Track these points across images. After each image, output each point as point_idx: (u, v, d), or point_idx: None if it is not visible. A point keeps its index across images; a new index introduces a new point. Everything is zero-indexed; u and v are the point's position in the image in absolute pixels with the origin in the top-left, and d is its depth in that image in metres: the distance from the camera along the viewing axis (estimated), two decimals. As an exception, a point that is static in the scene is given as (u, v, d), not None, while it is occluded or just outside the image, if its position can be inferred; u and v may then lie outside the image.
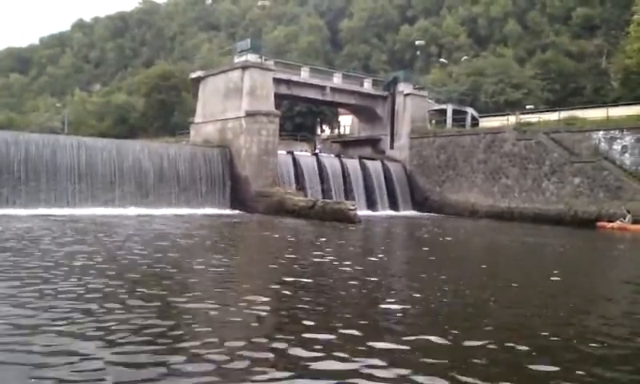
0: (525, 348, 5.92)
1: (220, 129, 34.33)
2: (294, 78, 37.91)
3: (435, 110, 45.90)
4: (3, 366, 4.82)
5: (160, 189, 29.62)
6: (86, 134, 46.79)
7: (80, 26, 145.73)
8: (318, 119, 56.45)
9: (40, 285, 8.29)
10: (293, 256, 13.72)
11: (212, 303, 7.55)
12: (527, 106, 47.47)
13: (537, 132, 33.93)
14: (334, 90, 39.72)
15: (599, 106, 38.16)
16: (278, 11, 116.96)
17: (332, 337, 6.03)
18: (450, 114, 43.66)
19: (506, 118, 39.64)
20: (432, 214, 36.96)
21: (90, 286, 8.44)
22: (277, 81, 35.16)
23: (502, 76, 55.32)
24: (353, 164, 37.40)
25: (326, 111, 54.32)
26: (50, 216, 22.52)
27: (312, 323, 6.61)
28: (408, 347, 5.81)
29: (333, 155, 38.89)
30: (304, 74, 38.89)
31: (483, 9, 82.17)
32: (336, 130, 57.09)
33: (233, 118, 33.27)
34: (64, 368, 4.78)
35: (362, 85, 42.32)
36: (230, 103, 33.52)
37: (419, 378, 4.91)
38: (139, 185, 28.94)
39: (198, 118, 37.06)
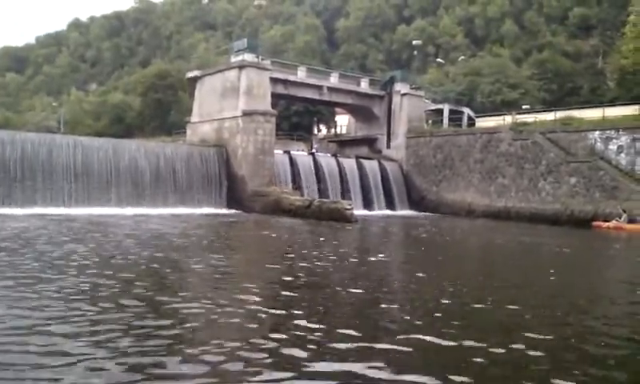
0: (523, 348, 5.91)
1: (217, 128, 34.29)
2: (291, 78, 37.89)
3: (432, 110, 45.94)
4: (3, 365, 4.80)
5: (156, 188, 29.58)
6: (83, 134, 46.68)
7: (76, 25, 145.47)
8: (315, 119, 56.42)
9: (36, 285, 8.26)
10: (289, 256, 13.71)
11: (209, 303, 7.53)
12: (524, 106, 47.54)
13: (533, 132, 34.00)
14: (330, 89, 39.74)
15: (595, 106, 38.22)
16: (274, 11, 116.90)
17: (330, 337, 6.02)
18: (446, 113, 43.69)
19: (502, 117, 39.71)
20: (428, 214, 36.98)
21: (86, 286, 8.43)
22: (273, 80, 35.15)
23: (498, 76, 55.36)
24: (349, 163, 37.40)
25: (323, 111, 54.32)
26: (46, 215, 22.46)
27: (309, 324, 6.59)
28: (406, 348, 5.79)
29: (329, 155, 38.88)
30: (301, 74, 38.87)
31: (480, 9, 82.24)
32: (333, 130, 57.07)
33: (229, 118, 33.24)
34: (60, 369, 4.76)
35: (358, 84, 42.34)
36: (227, 103, 33.49)
37: (418, 379, 4.90)
38: (135, 184, 28.90)
39: (194, 118, 37.02)
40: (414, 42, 72.07)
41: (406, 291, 9.54)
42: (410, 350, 5.75)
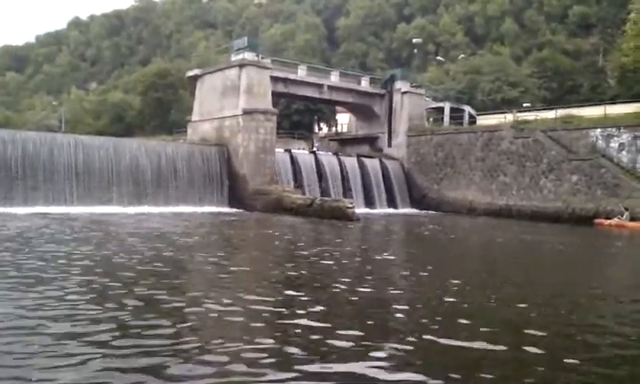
0: (526, 347, 5.88)
1: (217, 127, 34.27)
2: (291, 76, 37.87)
3: (433, 108, 45.91)
4: (1, 368, 4.78)
5: (158, 187, 29.56)
6: (83, 132, 46.75)
7: (76, 24, 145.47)
8: (316, 117, 56.42)
9: (38, 284, 8.26)
10: (292, 254, 13.71)
11: (212, 303, 7.50)
12: (524, 104, 47.47)
13: (534, 130, 33.97)
14: (331, 88, 39.73)
15: (596, 104, 38.18)
16: (274, 9, 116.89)
17: (332, 337, 5.98)
18: (447, 111, 43.64)
19: (503, 116, 39.67)
20: (430, 212, 36.96)
21: (88, 285, 8.42)
22: (274, 79, 35.13)
23: (498, 74, 55.33)
24: (351, 162, 37.38)
25: (324, 109, 54.30)
26: (47, 214, 22.44)
27: (312, 323, 6.56)
28: (410, 347, 5.78)
29: (330, 153, 38.85)
30: (301, 72, 38.85)
31: (480, 7, 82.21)
32: (333, 128, 57.07)
33: (230, 116, 33.22)
34: (62, 370, 4.74)
35: (359, 83, 42.31)
36: (227, 101, 33.46)
37: (421, 379, 4.87)
38: (137, 183, 28.88)
39: (195, 117, 37.00)
40: (414, 41, 72.08)
41: (409, 290, 9.52)
42: (414, 349, 5.74)
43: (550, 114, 38.44)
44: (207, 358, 5.17)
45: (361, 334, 6.18)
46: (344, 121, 54.18)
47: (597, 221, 28.16)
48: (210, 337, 5.93)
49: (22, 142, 25.81)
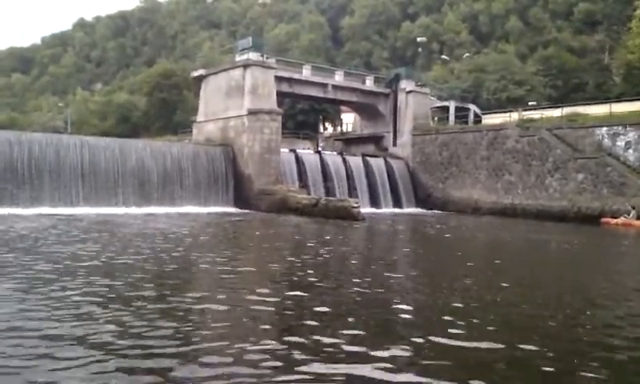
0: (533, 348, 5.84)
1: (222, 127, 34.33)
2: (296, 76, 37.90)
3: (437, 107, 45.86)
4: (7, 369, 4.79)
5: (163, 188, 29.64)
6: (89, 133, 46.88)
7: (81, 25, 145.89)
8: (321, 117, 56.37)
9: (44, 286, 8.29)
10: (297, 255, 13.70)
11: (216, 304, 7.51)
12: (530, 103, 47.39)
13: (539, 128, 33.86)
14: (335, 87, 39.72)
15: (602, 102, 38.03)
16: (279, 9, 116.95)
17: (338, 338, 5.96)
18: (452, 110, 43.60)
19: (508, 114, 39.56)
20: (435, 211, 36.92)
21: (94, 287, 8.44)
22: (278, 79, 35.15)
23: (503, 72, 55.16)
24: (356, 161, 37.37)
25: (329, 109, 54.26)
26: (53, 215, 22.55)
27: (317, 324, 6.56)
28: (416, 349, 5.75)
29: (335, 153, 38.88)
30: (306, 72, 38.87)
31: (485, 5, 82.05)
32: (338, 128, 57.00)
33: (235, 117, 33.27)
34: (68, 372, 4.76)
35: (363, 82, 42.28)
36: (232, 101, 33.51)
37: (426, 381, 4.86)
38: (142, 184, 28.96)
39: (200, 117, 37.07)
40: (418, 39, 71.94)
41: (415, 290, 9.51)
42: (420, 350, 5.72)
43: (556, 113, 38.33)
44: (211, 359, 5.17)
45: (366, 334, 6.18)
46: (349, 120, 54.16)
47: (603, 220, 28.06)
48: (213, 338, 5.92)
49: (28, 144, 25.93)
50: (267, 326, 6.61)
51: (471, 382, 4.86)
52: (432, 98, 45.79)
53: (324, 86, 39.17)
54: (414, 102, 40.82)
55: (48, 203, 25.45)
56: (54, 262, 10.51)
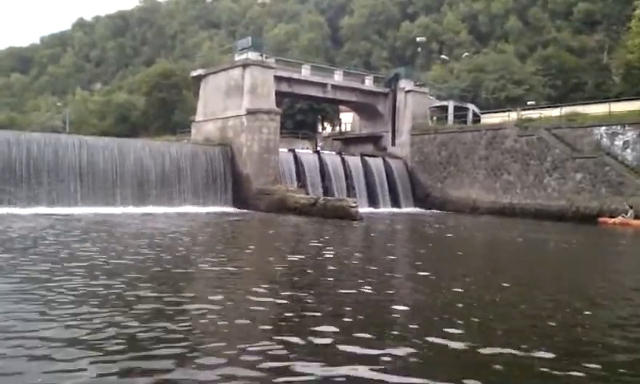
0: (533, 349, 5.81)
1: (221, 127, 34.32)
2: (295, 76, 37.91)
3: (436, 107, 45.87)
4: (4, 370, 4.77)
5: (162, 187, 29.62)
6: (88, 133, 46.85)
7: (81, 25, 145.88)
8: (319, 117, 56.38)
9: (42, 287, 8.26)
10: (296, 255, 13.69)
11: (214, 305, 7.48)
12: (528, 102, 47.42)
13: (538, 128, 33.88)
14: (334, 87, 39.73)
15: (601, 102, 38.05)
16: (278, 9, 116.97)
17: (337, 340, 5.92)
18: (451, 110, 43.63)
19: (507, 114, 39.57)
20: (434, 211, 36.94)
21: (93, 287, 8.42)
22: (278, 79, 35.15)
23: (503, 72, 55.19)
24: (354, 161, 37.37)
25: (327, 108, 54.28)
26: (52, 215, 22.53)
27: (317, 325, 6.51)
28: (415, 350, 5.72)
29: (334, 152, 38.90)
30: (305, 72, 38.88)
31: (484, 5, 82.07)
32: (337, 128, 57.01)
33: (234, 116, 33.26)
34: (66, 374, 4.74)
35: (362, 82, 42.29)
36: (231, 101, 33.51)
37: (428, 383, 4.84)
38: (141, 184, 28.95)
39: (199, 117, 37.06)
40: (417, 39, 71.93)
41: (414, 290, 9.48)
42: (419, 351, 5.68)
43: (555, 112, 38.36)
44: (209, 361, 5.14)
45: (366, 335, 6.14)
46: (348, 120, 54.17)
47: (601, 219, 28.09)
48: (212, 339, 5.90)
49: (27, 143, 25.92)
50: (266, 327, 6.58)
51: (470, 382, 4.84)
52: (431, 97, 45.83)
53: (323, 85, 39.18)
54: (412, 102, 40.84)
55: (46, 203, 25.44)
56: (52, 263, 10.50)
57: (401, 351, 5.62)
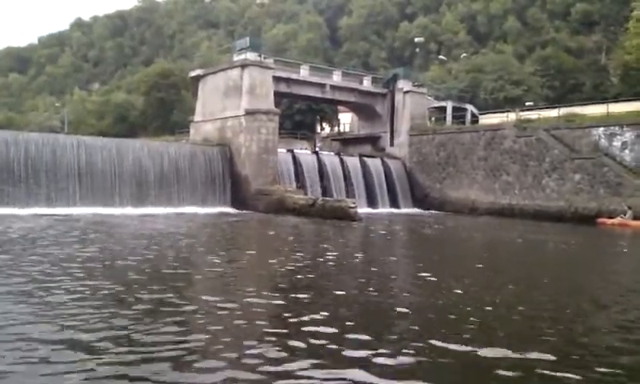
0: (534, 351, 5.79)
1: (220, 127, 34.29)
2: (294, 76, 37.88)
3: (435, 107, 45.89)
4: (2, 373, 4.75)
5: (160, 188, 29.57)
6: (86, 133, 46.81)
7: (79, 25, 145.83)
8: (318, 117, 56.39)
9: (41, 288, 8.25)
10: (295, 256, 13.68)
11: (213, 307, 7.47)
12: (527, 103, 47.46)
13: (537, 129, 33.90)
14: (333, 87, 39.72)
15: (599, 103, 38.10)
16: (277, 9, 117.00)
17: (337, 343, 5.90)
18: (449, 111, 43.63)
19: (505, 114, 39.61)
20: (432, 211, 36.95)
21: (90, 288, 8.39)
22: (276, 79, 35.12)
23: (501, 73, 55.26)
24: (353, 162, 37.37)
25: (326, 109, 54.29)
26: (50, 215, 22.50)
27: (316, 327, 6.49)
28: (416, 353, 5.69)
29: (333, 153, 38.87)
30: (303, 72, 38.85)
31: (482, 6, 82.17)
32: (336, 128, 57.04)
33: (232, 117, 33.23)
34: (65, 377, 4.74)
35: (361, 82, 42.28)
36: (230, 102, 33.48)
37: None
38: (140, 184, 28.89)
39: (197, 117, 37.02)
40: (416, 40, 72.03)
41: (414, 291, 9.46)
42: (420, 354, 5.66)
43: (553, 113, 38.41)
44: (208, 364, 5.12)
45: (366, 337, 6.12)
46: (346, 120, 54.17)
47: (599, 220, 28.11)
48: (211, 342, 5.87)
49: (25, 143, 25.86)
50: (265, 329, 6.55)
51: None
52: (429, 98, 45.84)
53: (322, 86, 39.16)
54: (411, 102, 40.83)
55: (44, 203, 25.36)
56: (51, 263, 10.47)
57: (401, 353, 5.60)
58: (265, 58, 35.01)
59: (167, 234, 17.10)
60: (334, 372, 5.02)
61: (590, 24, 69.92)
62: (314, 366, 5.13)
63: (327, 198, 29.35)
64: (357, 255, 14.58)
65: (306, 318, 6.94)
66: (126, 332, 6.03)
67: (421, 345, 5.94)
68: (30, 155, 25.68)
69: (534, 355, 5.65)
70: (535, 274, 11.93)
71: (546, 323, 7.15)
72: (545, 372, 5.21)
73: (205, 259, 12.19)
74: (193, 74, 38.08)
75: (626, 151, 30.02)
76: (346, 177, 36.00)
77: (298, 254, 14.08)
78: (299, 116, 52.68)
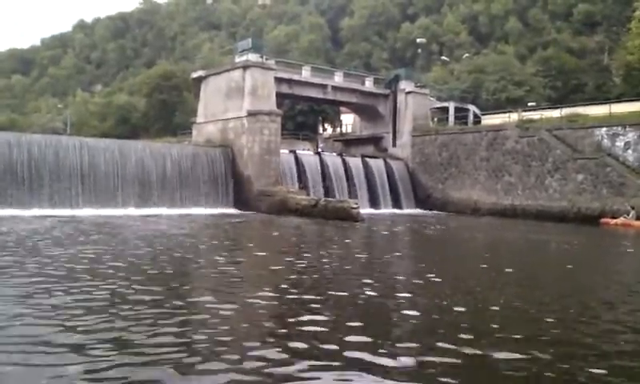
0: (538, 354, 5.74)
1: (222, 129, 34.32)
2: (296, 77, 37.91)
3: (437, 108, 45.88)
4: (2, 376, 4.74)
5: (163, 189, 29.62)
6: (88, 135, 46.88)
7: (81, 26, 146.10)
8: (320, 118, 56.41)
9: (44, 289, 8.23)
10: (297, 257, 13.67)
11: (215, 308, 7.43)
12: (529, 103, 47.42)
13: (539, 129, 33.87)
14: (335, 88, 39.73)
15: (601, 103, 38.05)
16: (278, 10, 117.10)
17: (339, 345, 5.85)
18: (452, 111, 43.61)
19: (508, 115, 39.57)
20: (435, 212, 36.93)
21: (93, 289, 8.38)
22: (278, 80, 35.15)
23: (503, 73, 55.22)
24: (355, 162, 37.38)
25: (328, 110, 54.33)
26: (53, 217, 22.52)
27: (319, 329, 6.47)
28: (420, 354, 5.66)
29: (335, 154, 38.90)
30: (305, 73, 38.88)
31: (484, 6, 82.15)
32: (338, 129, 57.06)
33: (234, 118, 33.26)
34: (65, 378, 4.73)
35: (363, 83, 42.29)
36: (232, 103, 33.51)
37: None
38: (142, 185, 28.94)
39: (199, 118, 37.06)
40: (418, 40, 72.01)
41: (418, 293, 9.36)
42: (424, 357, 5.62)
43: (555, 113, 38.35)
44: (211, 366, 5.08)
45: (368, 339, 6.08)
46: (348, 121, 54.18)
47: (602, 220, 28.08)
48: (213, 344, 5.82)
49: (28, 145, 25.91)
50: (268, 331, 6.51)
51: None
52: (431, 98, 45.81)
53: (324, 87, 39.19)
54: (413, 103, 40.83)
55: (47, 205, 25.41)
56: (54, 265, 10.46)
57: (404, 355, 5.58)
58: (267, 59, 35.03)
59: (170, 235, 17.11)
60: (336, 374, 5.00)
61: (592, 24, 69.87)
62: (317, 368, 5.12)
63: (330, 199, 29.35)
64: (359, 256, 14.56)
65: (308, 319, 6.92)
66: (127, 334, 6.02)
67: (424, 346, 5.92)
68: (32, 157, 25.73)
69: (539, 356, 5.63)
70: (538, 275, 11.92)
71: (550, 324, 7.11)
72: (549, 373, 5.19)
73: (207, 260, 12.19)
74: (195, 75, 38.13)
75: (629, 151, 29.98)
76: (349, 177, 36.02)
77: (300, 254, 14.08)
78: (301, 117, 52.70)
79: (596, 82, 55.19)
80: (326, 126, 59.35)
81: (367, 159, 38.43)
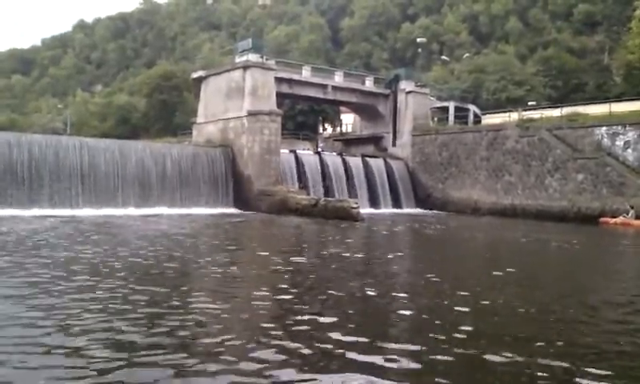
0: (537, 354, 5.75)
1: (222, 128, 34.33)
2: (296, 77, 37.92)
3: (437, 108, 45.87)
4: (1, 376, 4.75)
5: (163, 189, 29.63)
6: (89, 135, 46.87)
7: (81, 26, 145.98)
8: (320, 118, 56.41)
9: (42, 289, 8.25)
10: (298, 256, 13.66)
11: (216, 308, 7.46)
12: (529, 103, 47.38)
13: (539, 128, 33.85)
14: (335, 88, 39.74)
15: (602, 102, 38.01)
16: (278, 10, 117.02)
17: (339, 346, 5.85)
18: (452, 111, 43.61)
19: (508, 114, 39.54)
20: (435, 212, 36.91)
21: (92, 290, 8.38)
22: (278, 80, 35.16)
23: (503, 73, 55.20)
24: (355, 162, 37.38)
25: (328, 110, 54.31)
26: (54, 217, 22.51)
27: (318, 330, 6.46)
28: (419, 355, 5.66)
29: (335, 153, 38.90)
30: (305, 73, 38.88)
31: (484, 6, 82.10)
32: (338, 129, 57.06)
33: (235, 118, 33.27)
34: (65, 380, 4.73)
35: (363, 83, 42.28)
36: (232, 103, 33.51)
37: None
38: (142, 185, 28.94)
39: (199, 118, 37.07)
40: (418, 40, 71.87)
41: (418, 293, 9.37)
42: (424, 357, 5.63)
43: (556, 113, 38.32)
44: (210, 368, 5.07)
45: (368, 339, 6.08)
46: (348, 121, 54.18)
47: (602, 219, 28.07)
48: (213, 345, 5.81)
49: (28, 145, 25.92)
50: (267, 332, 6.47)
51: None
52: (432, 98, 45.81)
53: (324, 87, 39.19)
54: (413, 103, 40.83)
55: (48, 205, 25.41)
56: (54, 265, 10.48)
57: (404, 355, 5.58)
58: (267, 59, 35.03)
59: (170, 235, 17.11)
60: (336, 375, 5.00)
61: (593, 24, 69.83)
62: (316, 368, 5.12)
63: (330, 199, 29.36)
64: (359, 255, 14.56)
65: (308, 319, 6.92)
66: (127, 334, 6.02)
67: (424, 346, 5.92)
68: (33, 157, 25.74)
69: (539, 356, 5.63)
70: (538, 274, 11.92)
71: (550, 324, 7.12)
72: (549, 373, 5.19)
73: (207, 260, 12.19)
74: (195, 75, 38.15)
75: (629, 150, 29.96)
76: (349, 177, 36.02)
77: (301, 254, 14.09)
78: (301, 117, 52.70)
79: (596, 81, 55.15)
80: (326, 125, 59.34)
81: (367, 159, 38.43)
